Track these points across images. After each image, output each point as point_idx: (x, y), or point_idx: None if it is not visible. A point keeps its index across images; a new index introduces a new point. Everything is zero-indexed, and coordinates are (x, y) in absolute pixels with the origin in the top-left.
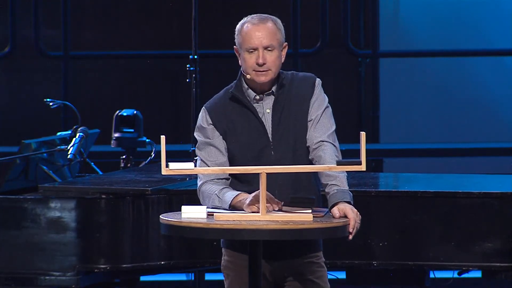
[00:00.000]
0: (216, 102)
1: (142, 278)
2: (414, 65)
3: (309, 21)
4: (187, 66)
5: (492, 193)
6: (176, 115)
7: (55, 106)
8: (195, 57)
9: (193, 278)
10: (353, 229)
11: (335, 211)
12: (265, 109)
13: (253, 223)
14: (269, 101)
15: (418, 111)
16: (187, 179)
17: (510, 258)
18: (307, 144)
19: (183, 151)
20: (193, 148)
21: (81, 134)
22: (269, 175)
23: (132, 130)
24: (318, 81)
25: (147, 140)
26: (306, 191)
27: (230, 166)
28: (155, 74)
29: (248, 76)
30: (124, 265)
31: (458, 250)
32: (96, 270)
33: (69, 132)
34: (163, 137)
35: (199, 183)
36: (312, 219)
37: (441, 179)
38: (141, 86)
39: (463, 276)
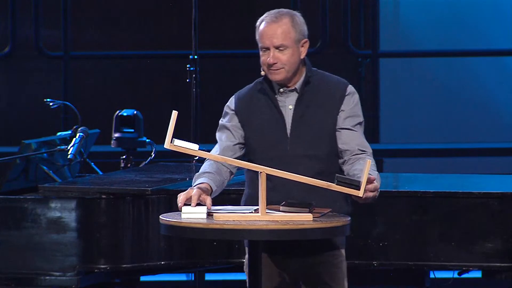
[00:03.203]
0: (245, 92)
1: (142, 278)
2: (414, 65)
3: (309, 21)
4: (187, 66)
5: (492, 193)
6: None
7: (55, 106)
8: (195, 57)
9: (193, 278)
10: (370, 192)
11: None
12: (288, 104)
13: (253, 223)
14: (293, 97)
15: (418, 111)
16: (187, 179)
17: (510, 258)
18: (345, 148)
19: None
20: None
21: (81, 134)
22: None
23: (132, 130)
24: (350, 88)
25: (147, 140)
26: (323, 194)
27: (248, 155)
28: (155, 74)
29: (262, 73)
30: (124, 265)
31: (458, 250)
32: (96, 270)
33: (69, 132)
34: (175, 112)
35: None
36: (312, 219)
37: (441, 179)
38: (141, 86)
39: (463, 276)
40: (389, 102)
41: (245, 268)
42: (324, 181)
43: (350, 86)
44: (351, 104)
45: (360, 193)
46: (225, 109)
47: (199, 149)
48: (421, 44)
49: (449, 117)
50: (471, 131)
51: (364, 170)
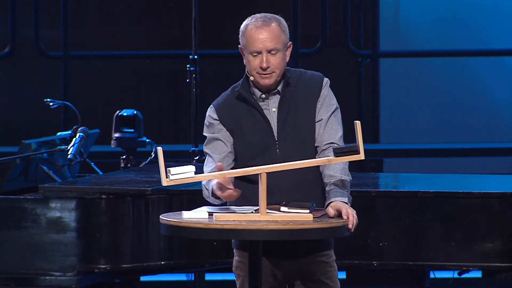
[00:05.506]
0: (223, 100)
1: (142, 278)
2: (414, 65)
3: (309, 21)
4: (187, 66)
5: (492, 193)
6: (176, 115)
7: (55, 106)
8: (195, 57)
9: (193, 278)
10: (352, 224)
11: (329, 209)
12: (271, 108)
13: (253, 223)
14: (275, 100)
15: (418, 111)
16: None
17: (510, 258)
18: (316, 144)
19: (183, 151)
20: (194, 148)
21: (81, 134)
22: (272, 175)
23: (132, 130)
24: (325, 80)
25: (147, 140)
26: (311, 192)
27: (235, 162)
28: (155, 74)
29: (251, 78)
30: (124, 265)
31: (458, 250)
32: (96, 270)
33: (69, 132)
34: (160, 149)
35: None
36: (312, 219)
37: (441, 179)
38: (141, 86)
39: (463, 276)
40: (389, 102)
41: (234, 269)
42: (323, 158)
43: (325, 78)
44: (324, 94)
45: (361, 156)
46: (208, 119)
47: (196, 167)
48: (421, 44)
49: (449, 117)
50: (471, 131)
51: (357, 132)
